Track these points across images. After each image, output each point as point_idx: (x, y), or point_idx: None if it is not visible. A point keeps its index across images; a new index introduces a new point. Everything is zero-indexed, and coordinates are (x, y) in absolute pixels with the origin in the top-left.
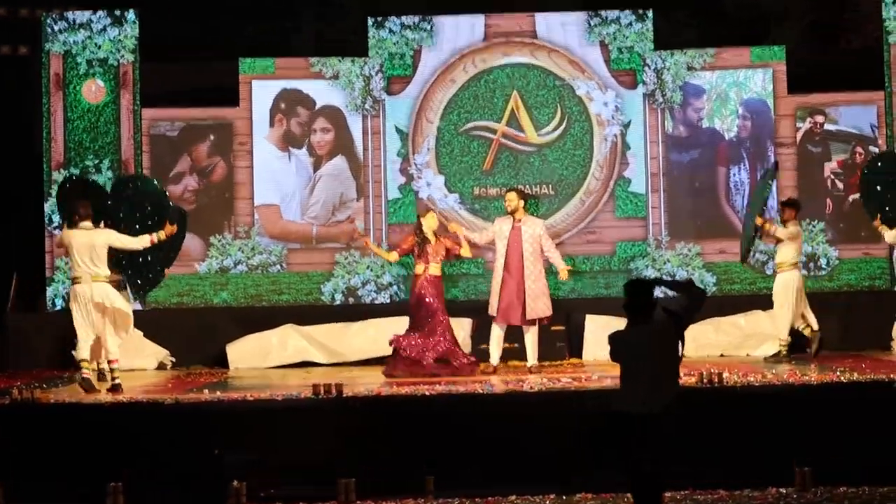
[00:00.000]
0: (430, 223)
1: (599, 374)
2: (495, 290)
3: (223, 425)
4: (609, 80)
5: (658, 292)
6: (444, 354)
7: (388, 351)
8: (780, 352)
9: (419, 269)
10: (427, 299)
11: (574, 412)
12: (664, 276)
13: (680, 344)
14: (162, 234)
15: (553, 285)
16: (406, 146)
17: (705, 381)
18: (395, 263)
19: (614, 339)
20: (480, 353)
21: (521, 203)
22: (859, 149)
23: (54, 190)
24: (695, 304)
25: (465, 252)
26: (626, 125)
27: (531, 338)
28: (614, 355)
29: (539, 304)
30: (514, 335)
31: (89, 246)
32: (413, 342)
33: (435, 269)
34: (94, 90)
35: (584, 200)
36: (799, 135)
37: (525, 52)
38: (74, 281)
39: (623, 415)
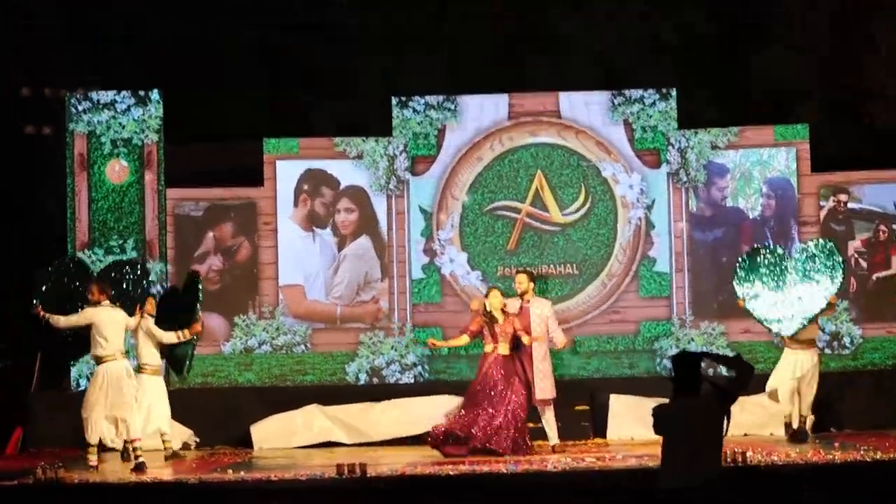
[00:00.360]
0: (493, 302)
1: (624, 453)
2: (545, 372)
3: None
4: (633, 159)
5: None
6: (496, 430)
7: (414, 431)
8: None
9: (488, 348)
10: (494, 379)
11: (598, 491)
12: (711, 351)
13: (725, 420)
14: (187, 333)
15: (579, 365)
16: (430, 226)
17: (730, 459)
18: (418, 344)
19: (659, 412)
20: None
21: (532, 285)
22: (883, 227)
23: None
24: (742, 379)
25: (525, 340)
26: (651, 205)
27: (549, 417)
28: (658, 429)
29: (547, 385)
30: (532, 416)
31: (119, 324)
32: (464, 419)
33: (504, 348)
34: (117, 170)
35: (608, 280)
36: (822, 213)
37: (550, 131)
38: (104, 360)
39: (670, 492)
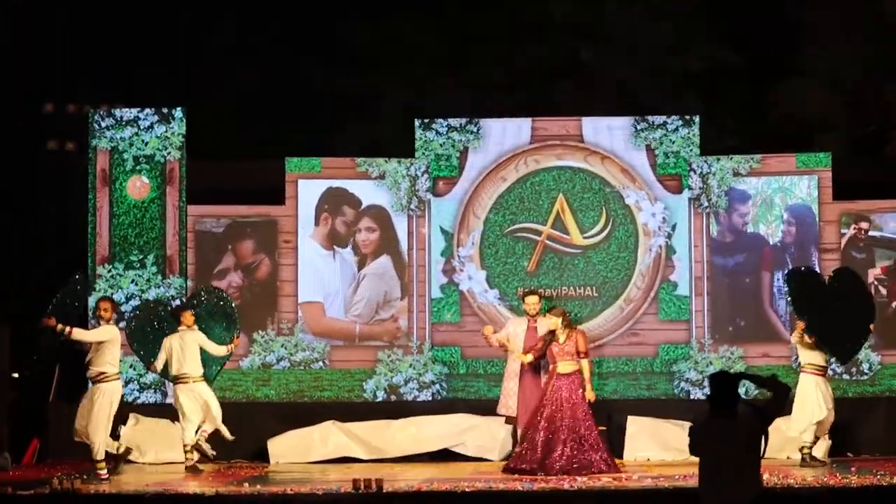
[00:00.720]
0: (555, 321)
1: (640, 474)
2: (512, 391)
3: None
4: (655, 184)
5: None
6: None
7: (430, 448)
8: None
9: (551, 367)
10: (550, 397)
11: None
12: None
13: (763, 441)
14: (232, 347)
15: (597, 386)
16: (450, 246)
17: None
18: (436, 363)
19: (696, 431)
20: None
21: (541, 306)
22: None
23: (99, 284)
24: (779, 399)
25: (526, 358)
26: (672, 228)
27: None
28: (694, 448)
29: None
30: None
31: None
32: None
33: (564, 367)
34: (138, 186)
35: (628, 303)
36: (843, 241)
37: (573, 155)
38: (109, 378)
39: None
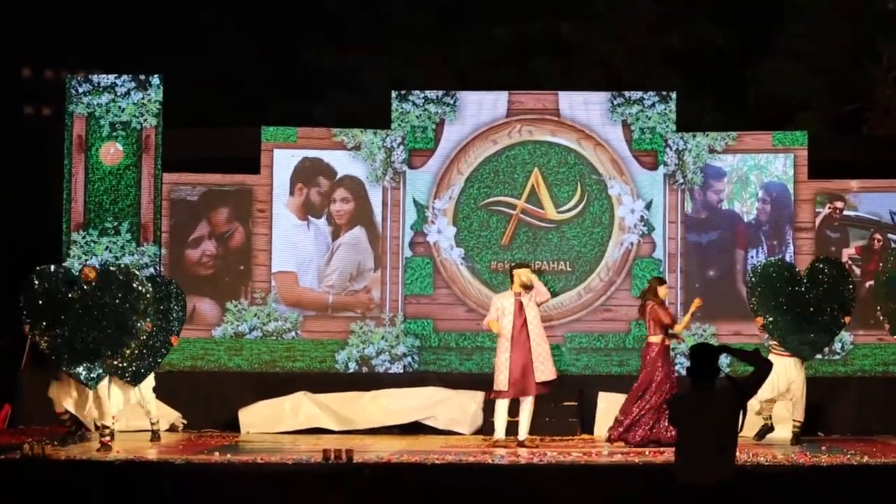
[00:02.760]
0: (662, 291)
1: (610, 450)
2: (504, 365)
3: (233, 487)
4: (630, 160)
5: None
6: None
7: (400, 420)
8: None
9: (656, 339)
10: (646, 367)
11: (583, 486)
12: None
13: (741, 416)
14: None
15: (569, 361)
16: (423, 219)
17: None
18: (408, 335)
19: (674, 401)
20: (493, 427)
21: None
22: (878, 236)
23: (73, 250)
24: (760, 375)
25: (679, 327)
26: (647, 206)
27: (527, 409)
28: (672, 419)
29: (548, 366)
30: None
31: None
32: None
33: (653, 338)
34: (111, 153)
35: (602, 278)
36: (818, 220)
37: (547, 129)
38: None
39: (683, 486)
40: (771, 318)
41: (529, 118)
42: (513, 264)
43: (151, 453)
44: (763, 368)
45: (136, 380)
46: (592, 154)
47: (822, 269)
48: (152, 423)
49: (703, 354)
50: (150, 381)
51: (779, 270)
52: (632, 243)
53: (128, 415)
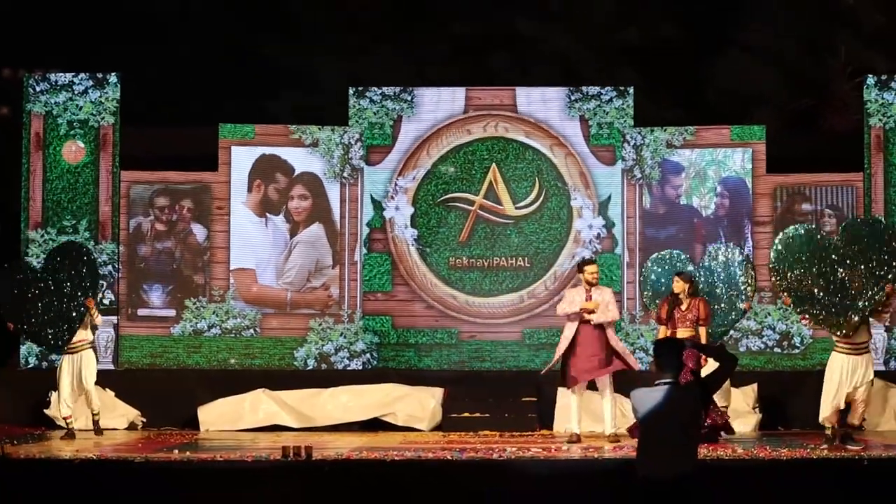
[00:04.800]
0: (677, 286)
1: (569, 445)
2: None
3: (192, 485)
4: (588, 155)
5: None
6: None
7: (360, 417)
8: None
9: (668, 333)
10: None
11: (543, 481)
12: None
13: (704, 412)
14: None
15: (528, 357)
16: (381, 216)
17: None
18: (367, 332)
19: (636, 395)
20: (452, 423)
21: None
22: (837, 229)
23: (31, 249)
24: (724, 370)
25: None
26: (606, 201)
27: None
28: (635, 412)
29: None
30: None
31: None
32: None
33: (682, 333)
34: (73, 151)
35: (560, 273)
36: (776, 214)
37: (505, 125)
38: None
39: (644, 481)
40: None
41: (502, 115)
42: (585, 259)
43: (112, 452)
44: (726, 364)
45: (54, 349)
46: (562, 162)
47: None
48: (94, 415)
49: (667, 348)
50: (92, 371)
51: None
52: (583, 257)
53: (87, 413)
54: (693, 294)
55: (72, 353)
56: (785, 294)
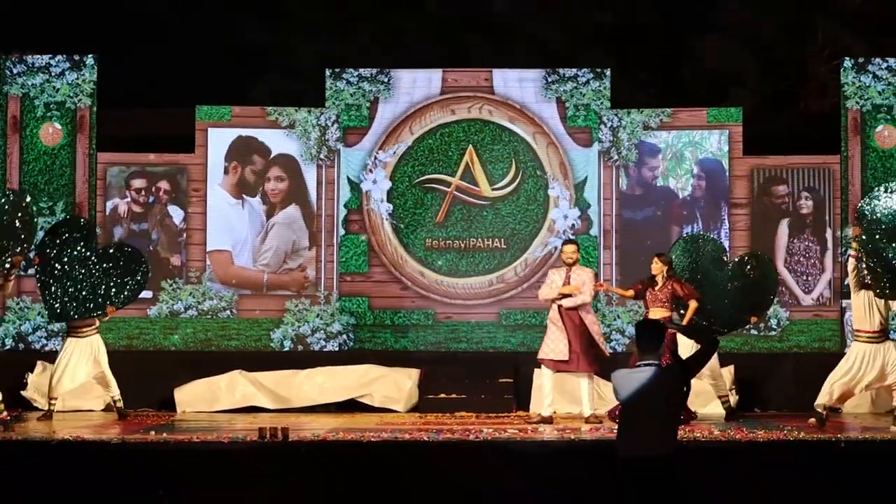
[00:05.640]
0: (655, 267)
1: (545, 426)
2: (548, 336)
3: (168, 466)
4: (564, 137)
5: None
6: None
7: (336, 398)
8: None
9: (645, 313)
10: None
11: (519, 462)
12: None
13: (685, 392)
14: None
15: (504, 338)
16: (358, 197)
17: None
18: (343, 313)
19: (618, 376)
20: (428, 404)
21: (578, 256)
22: (813, 211)
23: None
24: (704, 352)
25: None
26: (582, 182)
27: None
28: (616, 393)
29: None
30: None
31: None
32: None
33: (655, 313)
34: (51, 133)
35: (532, 260)
36: (753, 196)
37: (481, 107)
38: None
39: (625, 461)
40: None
41: (487, 98)
42: (565, 241)
43: (89, 433)
44: (707, 346)
45: (55, 315)
46: (543, 152)
47: (752, 264)
48: (115, 401)
49: (649, 330)
50: (105, 356)
51: (706, 245)
52: (555, 248)
53: (63, 394)
54: (670, 276)
55: (80, 336)
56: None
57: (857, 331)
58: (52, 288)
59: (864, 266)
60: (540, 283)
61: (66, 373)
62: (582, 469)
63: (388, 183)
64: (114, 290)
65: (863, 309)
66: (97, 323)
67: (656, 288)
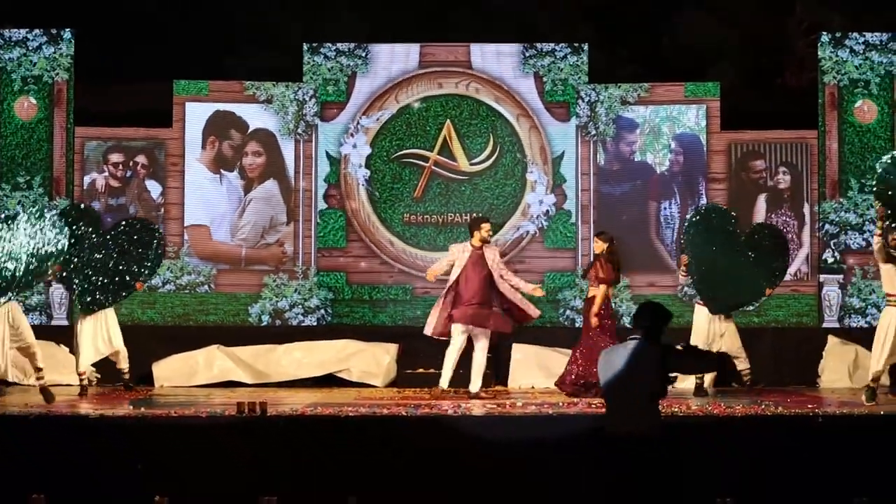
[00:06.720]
0: (597, 246)
1: (524, 401)
2: (434, 312)
3: (147, 441)
4: (542, 111)
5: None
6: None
7: (314, 373)
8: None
9: (596, 291)
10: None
11: (495, 437)
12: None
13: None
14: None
15: None
16: (336, 171)
17: None
18: (321, 288)
19: (604, 353)
20: (406, 379)
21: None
22: (791, 186)
23: None
24: (696, 365)
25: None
26: (560, 157)
27: (477, 359)
28: (599, 371)
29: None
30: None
31: None
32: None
33: (590, 291)
34: (26, 107)
35: (508, 237)
36: (731, 171)
37: (468, 84)
38: None
39: (612, 439)
40: (698, 261)
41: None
42: (478, 217)
43: (67, 408)
44: (705, 366)
45: (88, 305)
46: (526, 135)
47: (764, 234)
48: (125, 373)
49: (645, 310)
50: (118, 330)
51: (720, 218)
52: (527, 232)
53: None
54: (600, 255)
55: (91, 312)
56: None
57: (889, 295)
58: (77, 281)
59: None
60: (520, 258)
61: (88, 347)
62: (559, 443)
63: (368, 149)
64: (135, 266)
65: (893, 275)
66: None
67: (593, 268)
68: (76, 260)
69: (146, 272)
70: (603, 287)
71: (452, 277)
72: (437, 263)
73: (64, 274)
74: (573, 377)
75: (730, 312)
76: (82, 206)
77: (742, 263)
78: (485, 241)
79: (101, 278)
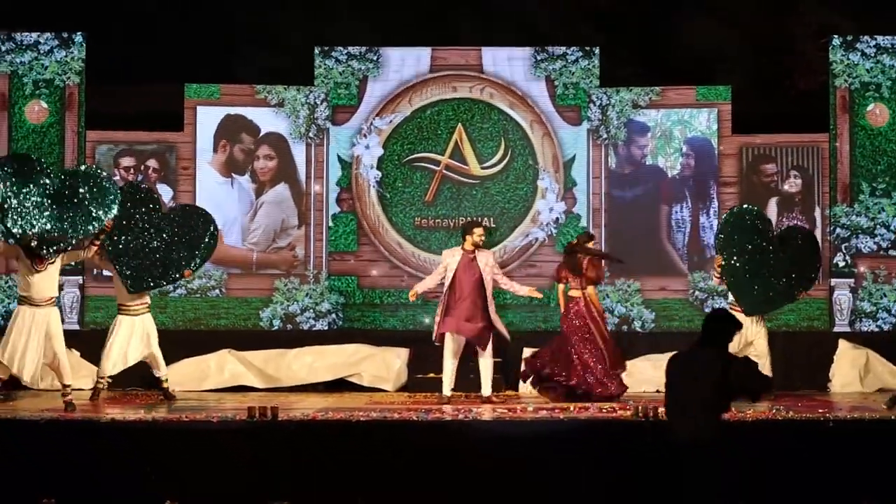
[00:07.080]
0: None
1: (535, 405)
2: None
3: (157, 445)
4: (553, 115)
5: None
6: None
7: (325, 377)
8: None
9: (577, 293)
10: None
11: (508, 442)
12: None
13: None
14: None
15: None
16: (347, 175)
17: (640, 415)
18: (332, 292)
19: (670, 358)
20: (417, 384)
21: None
22: (802, 189)
23: None
24: (750, 387)
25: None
26: (571, 160)
27: (485, 365)
28: (665, 375)
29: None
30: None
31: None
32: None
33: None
34: (36, 111)
35: (511, 248)
36: (742, 174)
37: (470, 85)
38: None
39: (673, 443)
40: (732, 262)
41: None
42: (470, 221)
43: (78, 413)
44: (759, 387)
45: (134, 286)
46: (539, 143)
47: (796, 237)
48: (164, 381)
49: (715, 317)
50: (155, 335)
51: (754, 220)
52: (536, 239)
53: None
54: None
55: (130, 315)
56: None
57: None
58: (124, 258)
59: None
60: (531, 262)
61: (117, 353)
62: (571, 448)
63: (381, 150)
64: (185, 254)
65: None
66: (148, 300)
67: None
68: (128, 237)
69: (198, 261)
70: (561, 285)
71: (447, 283)
72: (422, 281)
73: (108, 246)
74: (539, 364)
75: (763, 314)
76: (144, 185)
77: (775, 265)
78: (477, 246)
79: (147, 259)
